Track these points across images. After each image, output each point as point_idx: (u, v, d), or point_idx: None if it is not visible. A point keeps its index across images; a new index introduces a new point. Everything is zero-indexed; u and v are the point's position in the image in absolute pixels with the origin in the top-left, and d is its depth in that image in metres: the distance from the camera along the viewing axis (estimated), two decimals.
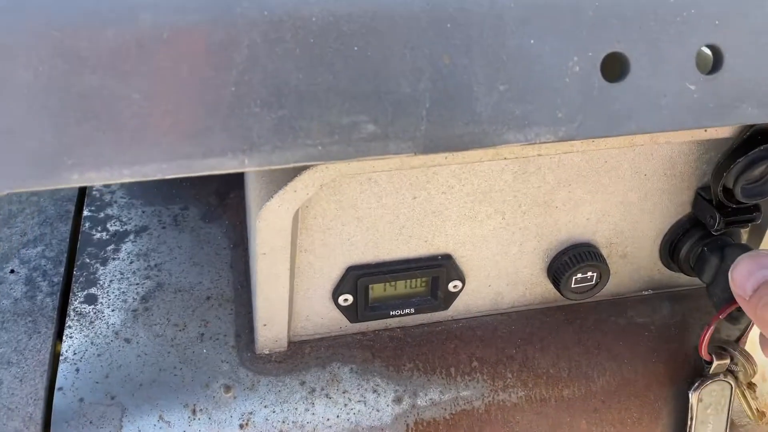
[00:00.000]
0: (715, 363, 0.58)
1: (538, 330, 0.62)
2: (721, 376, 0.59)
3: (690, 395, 0.59)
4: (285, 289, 0.54)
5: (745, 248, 0.58)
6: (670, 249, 0.61)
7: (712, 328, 0.56)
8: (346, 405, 0.57)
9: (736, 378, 0.59)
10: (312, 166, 0.47)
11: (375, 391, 0.58)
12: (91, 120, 0.37)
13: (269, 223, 0.49)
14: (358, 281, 0.56)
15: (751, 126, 0.51)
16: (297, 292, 0.57)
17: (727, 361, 0.58)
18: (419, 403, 0.58)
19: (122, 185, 0.73)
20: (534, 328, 0.63)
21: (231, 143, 0.39)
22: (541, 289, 0.63)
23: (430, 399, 0.58)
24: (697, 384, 0.59)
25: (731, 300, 0.55)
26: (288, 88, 0.38)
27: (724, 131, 0.52)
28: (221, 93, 0.38)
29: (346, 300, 0.57)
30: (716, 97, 0.43)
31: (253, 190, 0.51)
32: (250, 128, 0.39)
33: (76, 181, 0.38)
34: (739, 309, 0.54)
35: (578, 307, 0.64)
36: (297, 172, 0.47)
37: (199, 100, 0.38)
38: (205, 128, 0.38)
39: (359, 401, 0.57)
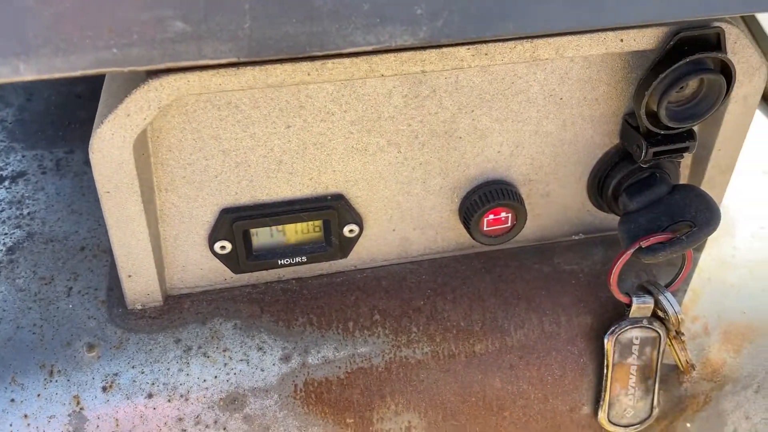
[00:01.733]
0: (635, 306, 0.51)
1: (451, 279, 0.56)
2: (645, 322, 0.52)
3: (605, 340, 0.52)
4: (144, 235, 0.47)
5: (686, 186, 0.51)
6: (599, 186, 0.54)
7: (622, 260, 0.49)
8: (225, 365, 0.51)
9: (666, 326, 0.52)
10: (144, 83, 0.40)
11: (260, 348, 0.51)
12: None
13: (105, 155, 0.42)
14: (233, 225, 0.49)
15: (676, 33, 0.43)
16: (165, 238, 0.50)
17: (650, 305, 0.51)
18: (310, 361, 0.51)
19: (3, 128, 0.66)
20: (447, 278, 0.56)
21: (0, 45, 0.32)
22: (455, 233, 0.56)
23: (323, 356, 0.52)
24: (614, 328, 0.52)
25: (653, 231, 0.48)
26: None
27: (643, 41, 0.44)
28: None
29: (223, 247, 0.51)
30: None
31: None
32: (22, 26, 0.31)
33: None
34: (661, 242, 0.48)
35: (498, 254, 0.57)
36: (128, 91, 0.40)
37: None
38: None
39: (241, 360, 0.51)
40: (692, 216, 0.49)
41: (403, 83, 0.46)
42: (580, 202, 0.56)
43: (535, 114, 0.49)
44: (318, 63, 0.41)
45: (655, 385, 0.54)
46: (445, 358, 0.53)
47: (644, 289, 0.53)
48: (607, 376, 0.53)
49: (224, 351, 0.51)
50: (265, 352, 0.51)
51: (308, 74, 0.41)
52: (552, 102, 0.49)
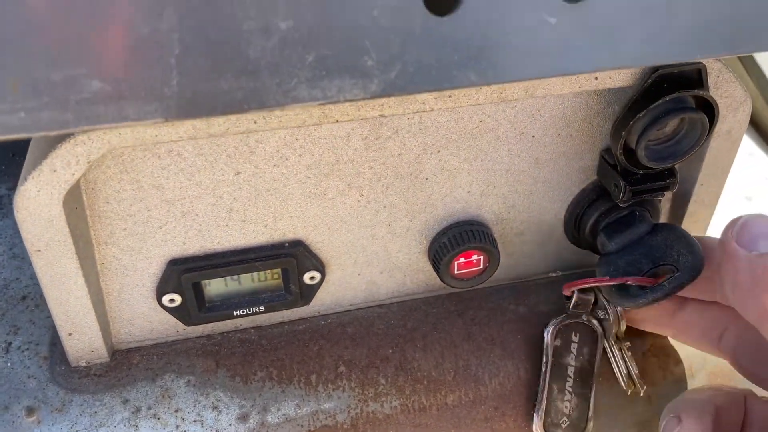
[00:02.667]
0: (576, 297, 0.48)
1: (421, 324, 0.52)
2: (585, 318, 0.49)
3: (545, 334, 0.49)
4: (82, 292, 0.43)
5: (668, 226, 0.48)
6: (576, 223, 0.51)
7: (596, 281, 0.47)
8: (178, 427, 0.47)
9: (604, 329, 0.49)
10: (69, 137, 0.36)
11: (215, 407, 0.48)
12: None
13: (32, 213, 0.38)
14: (182, 278, 0.46)
15: (654, 70, 0.40)
16: (108, 292, 0.46)
17: (591, 298, 0.49)
18: (270, 420, 0.48)
19: None
20: (416, 323, 0.52)
21: None
22: (425, 275, 0.52)
23: (284, 414, 0.48)
24: (555, 321, 0.49)
25: (633, 275, 0.45)
26: None
27: (619, 79, 0.41)
28: None
29: (172, 300, 0.47)
30: (586, 32, 0.32)
31: None
32: None
33: None
34: (642, 287, 0.44)
35: (471, 295, 0.54)
36: (53, 145, 0.36)
37: None
38: None
39: (195, 421, 0.47)
40: (674, 259, 0.45)
41: (362, 125, 0.42)
42: (556, 240, 0.53)
43: (506, 153, 0.46)
44: (265, 111, 0.37)
45: (591, 393, 0.50)
46: (415, 412, 0.49)
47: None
48: (545, 374, 0.49)
49: (176, 411, 0.47)
50: (220, 412, 0.48)
51: (255, 122, 0.38)
52: (523, 140, 0.46)
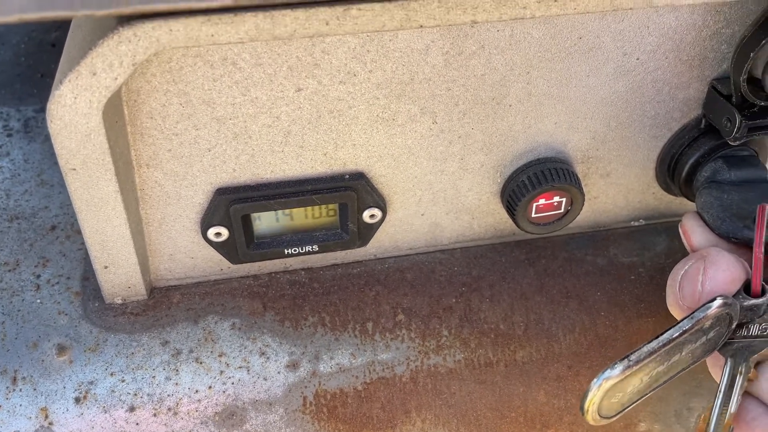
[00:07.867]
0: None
1: (488, 273, 0.47)
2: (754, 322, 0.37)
3: (716, 299, 0.36)
4: (121, 219, 0.38)
5: None
6: (671, 165, 0.45)
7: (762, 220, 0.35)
8: (222, 372, 0.43)
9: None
10: (113, 32, 0.30)
11: (263, 353, 0.43)
12: None
13: (67, 124, 0.33)
14: (230, 209, 0.41)
15: None
16: (149, 223, 0.41)
17: None
18: (322, 369, 0.43)
19: None
20: (483, 271, 0.47)
21: None
22: (494, 218, 0.47)
23: (337, 364, 0.44)
24: (729, 300, 0.36)
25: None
26: None
27: None
28: None
29: (218, 234, 0.42)
30: None
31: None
32: None
33: None
34: None
35: (544, 243, 0.49)
36: (93, 43, 0.31)
37: None
38: None
39: (240, 367, 0.43)
40: None
41: (444, 37, 0.36)
42: (645, 184, 0.47)
43: (604, 78, 0.40)
44: (339, 9, 0.31)
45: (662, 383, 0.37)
46: (480, 367, 0.45)
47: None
48: (672, 337, 0.36)
49: (220, 356, 0.43)
50: (268, 358, 0.43)
51: (326, 24, 0.32)
52: (626, 63, 0.39)
